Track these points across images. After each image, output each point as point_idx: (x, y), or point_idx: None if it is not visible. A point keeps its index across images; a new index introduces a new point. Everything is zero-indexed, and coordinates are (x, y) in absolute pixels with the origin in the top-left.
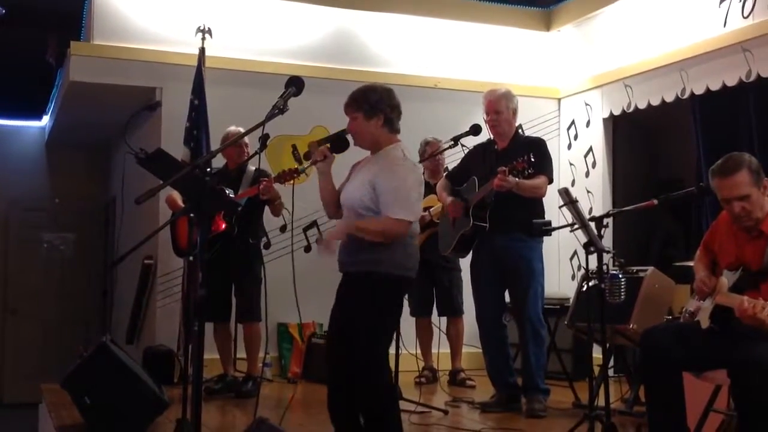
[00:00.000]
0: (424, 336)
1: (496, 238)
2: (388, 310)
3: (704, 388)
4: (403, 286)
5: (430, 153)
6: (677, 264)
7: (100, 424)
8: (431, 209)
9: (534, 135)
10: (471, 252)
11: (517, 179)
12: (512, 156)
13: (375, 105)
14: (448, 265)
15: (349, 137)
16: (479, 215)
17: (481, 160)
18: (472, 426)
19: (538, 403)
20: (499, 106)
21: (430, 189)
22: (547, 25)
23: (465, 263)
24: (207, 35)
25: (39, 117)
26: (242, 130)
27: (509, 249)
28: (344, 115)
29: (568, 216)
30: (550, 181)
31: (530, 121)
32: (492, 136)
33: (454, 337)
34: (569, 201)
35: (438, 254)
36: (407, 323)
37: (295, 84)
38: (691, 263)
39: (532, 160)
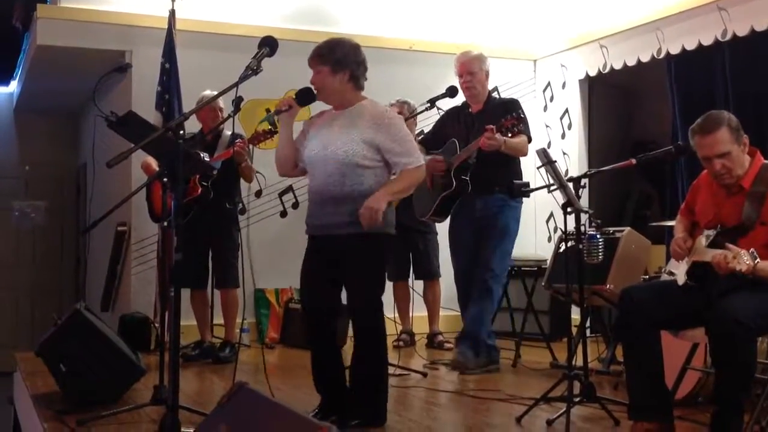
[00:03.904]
0: (402, 300)
1: (476, 200)
2: (382, 265)
3: (682, 347)
4: (392, 242)
5: (407, 116)
6: (653, 224)
7: (76, 391)
8: None
9: (508, 97)
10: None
11: (504, 138)
12: (488, 118)
13: (341, 60)
14: (423, 228)
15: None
16: (460, 177)
17: (456, 123)
18: (451, 387)
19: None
20: (473, 67)
21: None
22: None
23: (441, 226)
24: None
25: (6, 83)
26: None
27: (489, 209)
28: None
29: (545, 177)
30: (530, 140)
31: (506, 83)
32: (466, 99)
33: (431, 301)
34: (548, 161)
35: (413, 217)
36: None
37: (268, 44)
38: (666, 223)
39: (522, 116)
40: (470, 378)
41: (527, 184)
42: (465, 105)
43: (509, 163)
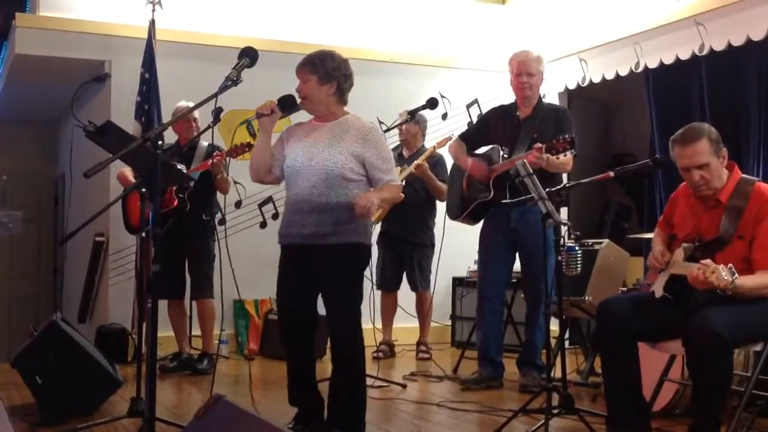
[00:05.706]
0: (387, 310)
1: (512, 210)
2: (362, 276)
3: (659, 359)
4: (370, 253)
5: (401, 121)
6: (631, 236)
7: (52, 403)
8: None
9: (558, 104)
10: (481, 222)
11: (548, 156)
12: (536, 125)
13: (331, 72)
14: (412, 239)
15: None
16: (498, 186)
17: (502, 125)
18: (431, 399)
19: (532, 379)
20: (532, 68)
21: None
22: None
23: (438, 239)
24: (157, 6)
25: None
26: (192, 104)
27: (525, 222)
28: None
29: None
30: (575, 155)
31: (485, 95)
32: (516, 100)
33: (419, 312)
34: (527, 173)
35: (401, 229)
36: (366, 297)
37: (248, 55)
38: (644, 236)
39: (572, 140)
40: (450, 390)
41: (563, 197)
42: (513, 107)
43: (552, 177)
